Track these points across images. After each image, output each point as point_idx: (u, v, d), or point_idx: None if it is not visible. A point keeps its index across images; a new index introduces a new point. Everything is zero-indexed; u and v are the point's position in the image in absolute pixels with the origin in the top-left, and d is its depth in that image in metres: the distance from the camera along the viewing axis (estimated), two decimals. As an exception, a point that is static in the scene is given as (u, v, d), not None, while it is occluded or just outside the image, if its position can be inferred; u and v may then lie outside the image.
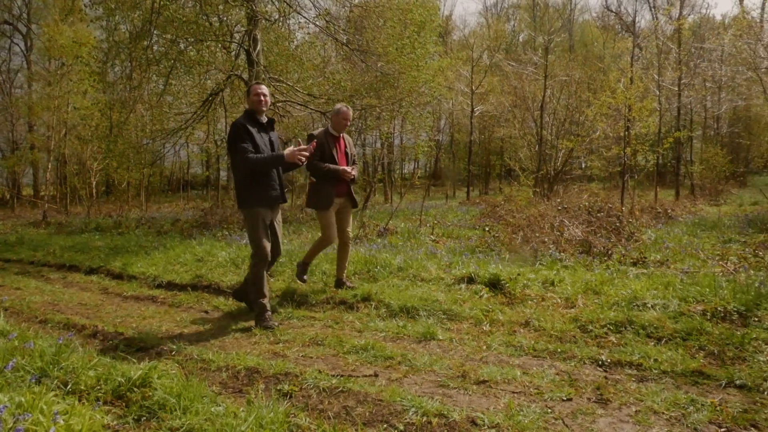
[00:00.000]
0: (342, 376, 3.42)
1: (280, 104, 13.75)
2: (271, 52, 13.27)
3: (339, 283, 5.68)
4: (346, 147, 5.63)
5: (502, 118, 23.90)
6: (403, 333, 4.32)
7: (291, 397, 3.12)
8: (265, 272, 4.76)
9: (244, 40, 12.35)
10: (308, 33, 13.68)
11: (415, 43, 13.37)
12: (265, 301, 4.71)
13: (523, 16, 43.05)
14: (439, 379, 3.39)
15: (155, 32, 11.76)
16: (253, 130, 4.63)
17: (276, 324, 4.63)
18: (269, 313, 4.71)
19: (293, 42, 14.24)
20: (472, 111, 25.83)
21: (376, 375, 3.46)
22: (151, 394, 2.91)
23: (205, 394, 2.96)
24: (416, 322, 4.56)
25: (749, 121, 28.11)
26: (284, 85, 13.16)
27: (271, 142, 4.82)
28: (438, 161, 36.09)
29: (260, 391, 3.17)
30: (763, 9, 16.23)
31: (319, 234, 5.70)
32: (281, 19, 13.35)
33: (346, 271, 5.80)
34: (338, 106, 5.59)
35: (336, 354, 3.90)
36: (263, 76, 12.18)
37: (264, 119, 4.85)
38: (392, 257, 6.56)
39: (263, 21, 12.61)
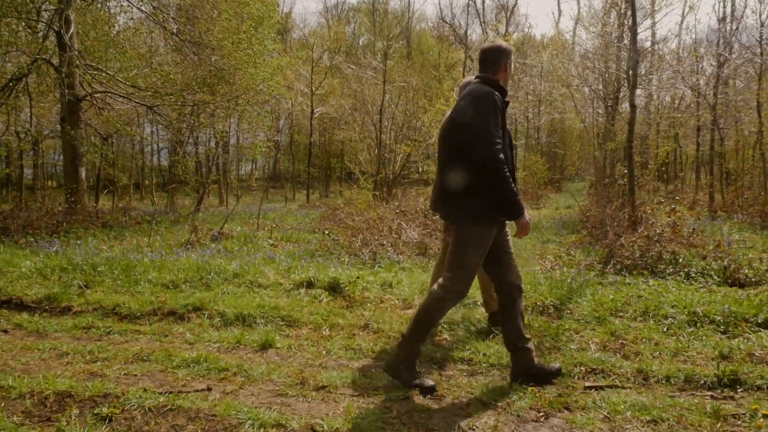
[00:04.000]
0: (171, 392, 3.16)
1: (98, 95, 12.48)
2: (88, 37, 11.97)
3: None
4: None
5: (342, 120, 24.23)
6: (239, 343, 4.12)
7: (111, 420, 2.82)
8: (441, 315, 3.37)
9: (54, 20, 10.96)
10: (132, 18, 12.60)
11: (253, 39, 13.01)
12: (419, 350, 3.32)
13: (363, 20, 44.03)
14: (277, 388, 3.28)
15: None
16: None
17: (432, 383, 3.24)
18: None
19: (115, 27, 12.99)
20: (312, 112, 25.84)
21: (209, 389, 3.26)
22: (-72, 434, 2.41)
23: (4, 426, 2.59)
24: (253, 330, 4.38)
25: (564, 132, 31.72)
26: (103, 74, 11.96)
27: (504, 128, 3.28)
28: (277, 162, 35.56)
29: (73, 417, 2.82)
30: (574, 33, 18.53)
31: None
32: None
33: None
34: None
35: (164, 369, 3.60)
36: (78, 62, 10.94)
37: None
38: (227, 263, 6.27)
39: (78, 0, 11.32)
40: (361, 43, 43.07)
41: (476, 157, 3.08)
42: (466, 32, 22.23)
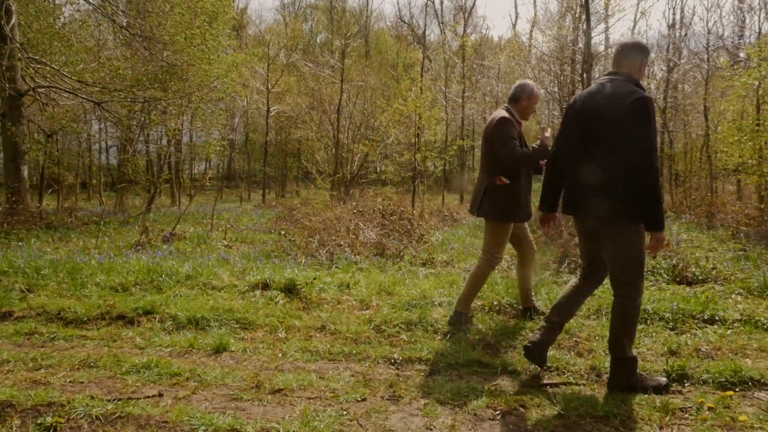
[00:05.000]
0: (120, 399, 3.05)
1: (42, 90, 11.96)
2: (31, 29, 11.48)
3: (528, 311, 4.49)
4: None
5: (299, 119, 23.96)
6: (192, 347, 4.02)
7: (56, 430, 2.73)
8: None
9: (-7, 10, 10.45)
10: (78, 10, 12.16)
11: (206, 34, 12.75)
12: (633, 354, 3.24)
13: (320, 18, 43.57)
14: (231, 393, 3.21)
15: None
16: None
17: (665, 380, 3.25)
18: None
19: (60, 18, 12.48)
20: (268, 110, 25.47)
21: (160, 395, 3.16)
22: None
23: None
24: (207, 333, 4.28)
25: (519, 133, 32.24)
26: (48, 67, 11.48)
27: None
28: (231, 161, 34.92)
29: (15, 428, 2.73)
30: (530, 35, 18.86)
31: (476, 262, 4.41)
32: (44, -10, 11.65)
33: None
34: (528, 84, 4.21)
35: (113, 376, 3.47)
36: (19, 55, 10.46)
37: None
38: (180, 265, 6.13)
39: (20, -11, 10.86)
40: (318, 41, 42.67)
41: (635, 169, 2.97)
42: (424, 32, 22.34)
